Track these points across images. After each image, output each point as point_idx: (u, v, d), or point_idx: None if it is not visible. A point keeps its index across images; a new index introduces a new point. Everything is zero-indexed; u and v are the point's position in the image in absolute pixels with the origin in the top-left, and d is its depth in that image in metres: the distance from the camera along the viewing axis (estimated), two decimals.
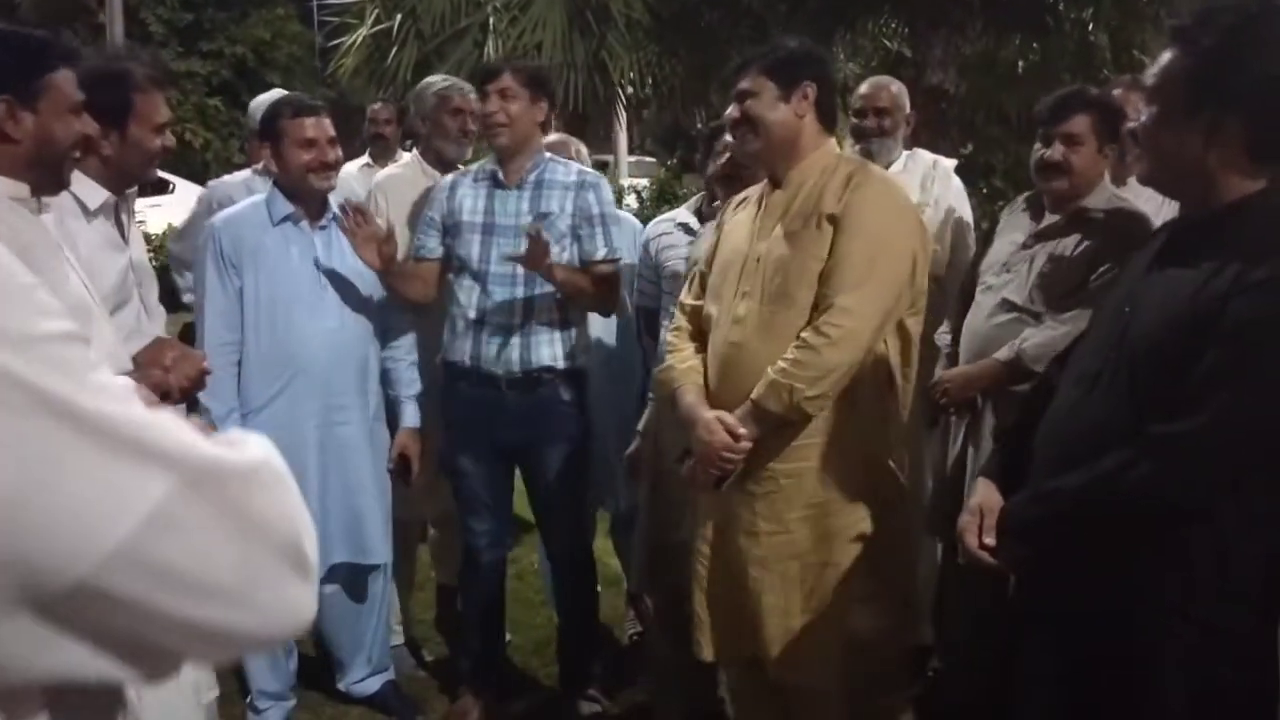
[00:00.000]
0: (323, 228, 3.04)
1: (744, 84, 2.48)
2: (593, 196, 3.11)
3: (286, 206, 2.99)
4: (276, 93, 3.78)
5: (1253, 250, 1.62)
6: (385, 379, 3.19)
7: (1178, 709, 1.66)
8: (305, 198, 3.00)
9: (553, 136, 4.02)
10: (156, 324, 2.53)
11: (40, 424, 0.67)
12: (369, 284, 3.08)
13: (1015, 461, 1.92)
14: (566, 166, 3.17)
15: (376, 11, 8.35)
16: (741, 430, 2.37)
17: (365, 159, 4.50)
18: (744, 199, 2.62)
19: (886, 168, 3.43)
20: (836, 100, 2.54)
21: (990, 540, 1.86)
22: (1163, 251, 1.80)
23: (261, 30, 17.90)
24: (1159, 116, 1.70)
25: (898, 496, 2.44)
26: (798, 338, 2.33)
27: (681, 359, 2.57)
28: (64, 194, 2.32)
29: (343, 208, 2.99)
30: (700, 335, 2.58)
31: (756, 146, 2.49)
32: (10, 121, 1.94)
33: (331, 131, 2.97)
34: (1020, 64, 9.75)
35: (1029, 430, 1.91)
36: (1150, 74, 1.74)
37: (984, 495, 1.91)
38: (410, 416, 3.20)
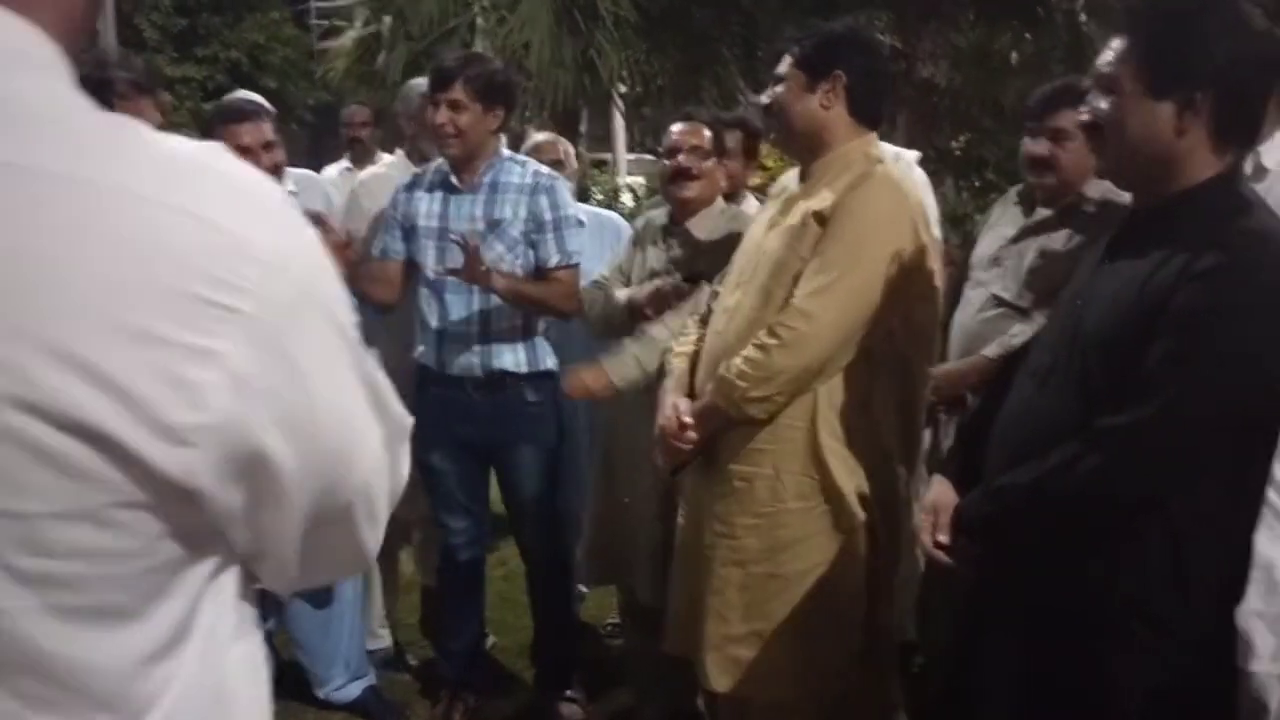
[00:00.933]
0: None
1: (778, 70, 2.38)
2: (545, 200, 3.04)
3: None
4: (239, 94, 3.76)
5: (1200, 239, 1.60)
6: None
7: (1133, 707, 1.63)
8: None
9: (540, 136, 4.01)
10: None
11: (345, 352, 0.79)
12: None
13: (971, 458, 1.89)
14: (523, 167, 3.11)
15: (366, 14, 8.34)
16: (688, 419, 2.33)
17: (345, 162, 4.49)
18: (783, 187, 2.51)
19: None
20: (880, 90, 2.41)
21: (944, 538, 1.83)
22: (1113, 244, 1.77)
23: (256, 34, 17.87)
24: (1125, 103, 1.65)
25: (861, 519, 2.27)
26: (758, 335, 2.25)
27: (682, 343, 2.54)
28: None
29: None
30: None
31: (782, 136, 2.43)
32: None
33: (268, 136, 2.90)
34: (1013, 56, 9.71)
35: (985, 427, 1.88)
36: (1104, 62, 1.70)
37: (938, 493, 1.90)
38: None
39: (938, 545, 1.84)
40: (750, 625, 2.30)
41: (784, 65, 2.37)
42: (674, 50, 8.32)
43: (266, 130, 2.91)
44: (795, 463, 2.27)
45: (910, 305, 2.27)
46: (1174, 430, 1.59)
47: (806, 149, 2.38)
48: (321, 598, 3.16)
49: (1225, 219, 1.63)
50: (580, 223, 3.18)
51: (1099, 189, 2.86)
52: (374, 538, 0.86)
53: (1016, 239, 2.90)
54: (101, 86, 2.37)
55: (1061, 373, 1.72)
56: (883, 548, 2.28)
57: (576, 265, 3.12)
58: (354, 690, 3.28)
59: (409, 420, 0.89)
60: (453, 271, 2.91)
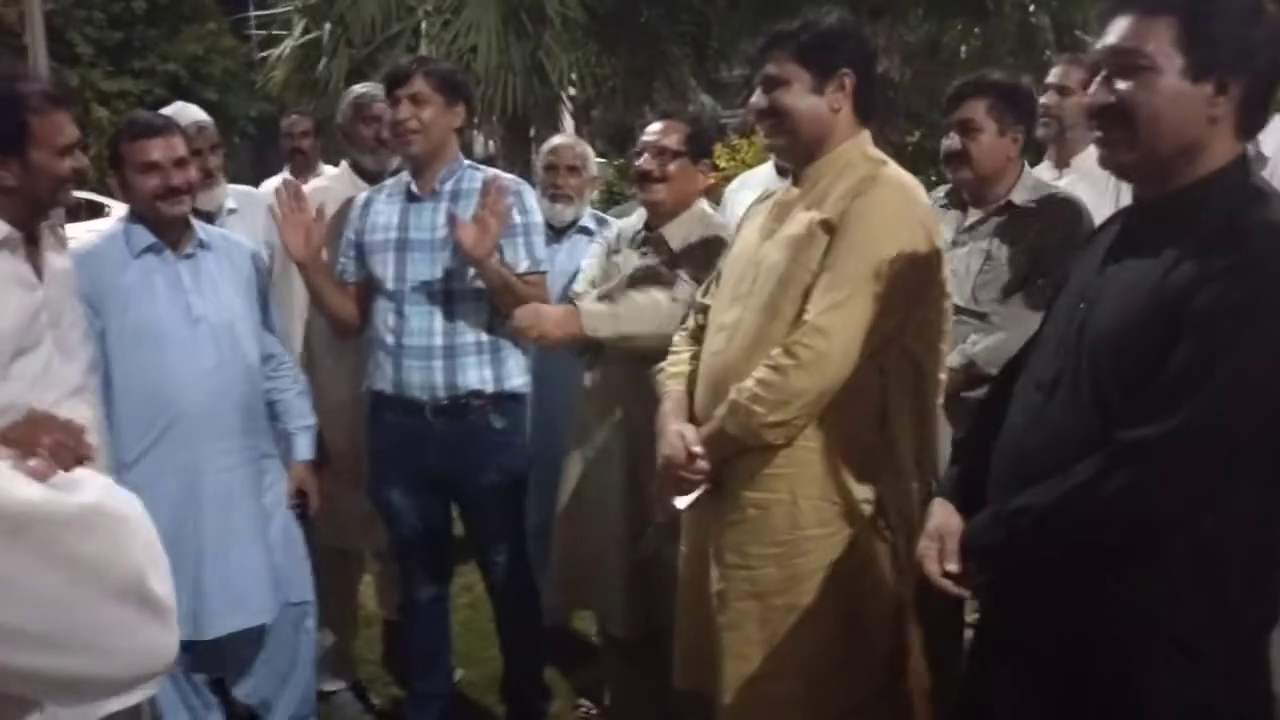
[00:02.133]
0: (189, 256, 2.77)
1: (772, 69, 2.22)
2: (513, 204, 2.88)
3: (146, 237, 2.72)
4: (177, 106, 3.57)
5: (1218, 233, 1.50)
6: (273, 412, 2.93)
7: None
8: (165, 226, 2.73)
9: (558, 140, 3.81)
10: (74, 366, 2.32)
11: None
12: (246, 313, 2.81)
13: (970, 478, 1.79)
14: (485, 173, 2.95)
15: (304, 21, 8.12)
16: (697, 449, 2.19)
17: (286, 174, 4.29)
18: (769, 193, 2.40)
19: None
20: (875, 86, 2.30)
21: (952, 566, 1.72)
22: (1118, 242, 1.66)
23: (194, 46, 17.49)
24: (1161, 85, 1.53)
25: (882, 540, 2.15)
26: (771, 354, 2.11)
27: (674, 362, 2.40)
28: None
29: (278, 189, 2.78)
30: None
31: (783, 142, 2.26)
32: None
33: (180, 152, 2.70)
34: (963, 49, 9.72)
35: (983, 444, 1.78)
36: (1123, 41, 1.56)
37: (942, 518, 1.78)
38: (303, 448, 2.95)
39: (946, 575, 1.72)
40: (771, 661, 2.16)
41: (777, 64, 2.21)
42: (624, 51, 8.19)
43: (177, 145, 2.71)
44: (813, 487, 2.14)
45: (924, 310, 2.16)
46: (1206, 440, 1.49)
47: (807, 152, 2.24)
48: (263, 644, 2.93)
49: (1242, 210, 1.53)
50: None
51: (1026, 188, 2.83)
52: None
53: (955, 243, 2.83)
54: (11, 102, 2.21)
55: (1070, 383, 1.62)
56: (906, 572, 2.12)
57: (545, 272, 2.98)
58: None
59: (91, 490, 0.84)
60: (458, 236, 2.73)
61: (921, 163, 10.28)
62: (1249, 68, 1.53)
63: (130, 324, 2.66)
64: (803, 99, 2.19)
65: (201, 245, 2.80)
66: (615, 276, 2.90)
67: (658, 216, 2.86)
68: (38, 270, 2.29)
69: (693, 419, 2.29)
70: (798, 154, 2.27)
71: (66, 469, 1.78)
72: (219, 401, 2.73)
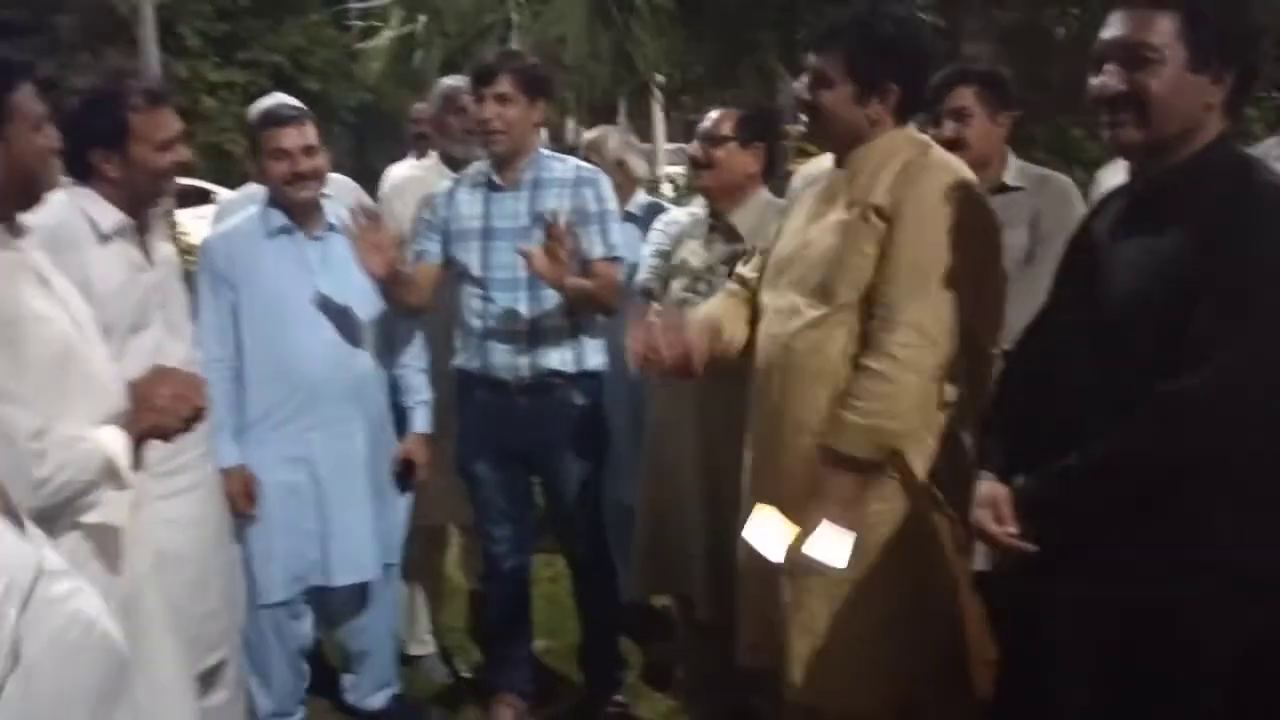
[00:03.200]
0: (318, 238, 2.98)
1: (819, 63, 2.21)
2: (590, 193, 3.01)
3: (280, 219, 2.94)
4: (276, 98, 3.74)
5: (1221, 200, 1.65)
6: (394, 387, 3.14)
7: (1226, 669, 1.65)
8: (297, 209, 2.94)
9: (592, 133, 3.98)
10: (181, 344, 2.50)
11: None
12: (369, 293, 2.99)
13: (1006, 447, 1.91)
14: (564, 163, 3.08)
15: (401, 13, 8.34)
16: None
17: (411, 159, 4.46)
18: (814, 176, 2.41)
19: None
20: (923, 92, 2.28)
21: (1011, 528, 1.83)
22: (1127, 215, 1.80)
23: (297, 37, 18.01)
24: (1170, 75, 1.69)
25: (942, 514, 2.18)
26: (860, 365, 2.12)
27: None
28: (77, 218, 2.31)
29: (352, 211, 2.92)
30: (747, 302, 2.44)
31: (815, 136, 2.31)
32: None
33: (309, 140, 2.89)
34: (1059, 31, 9.52)
35: (1011, 413, 1.92)
36: (1125, 35, 1.71)
37: (989, 487, 1.89)
38: (420, 422, 3.15)
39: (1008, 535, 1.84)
40: (837, 636, 2.21)
41: (826, 61, 2.21)
42: (711, 38, 8.24)
43: (309, 134, 2.91)
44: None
45: (988, 290, 2.20)
46: (1239, 382, 1.62)
47: (844, 147, 2.28)
48: (357, 605, 3.14)
49: (1239, 176, 1.69)
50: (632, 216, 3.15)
51: (1013, 170, 2.94)
52: None
53: None
54: (111, 99, 2.35)
55: (1096, 346, 1.74)
56: (965, 545, 2.18)
57: (621, 259, 3.08)
58: (379, 699, 3.26)
59: None
60: (527, 258, 2.83)
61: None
62: (1239, 59, 1.70)
63: (260, 298, 2.88)
64: (843, 106, 2.20)
65: (331, 228, 2.98)
66: (685, 268, 2.95)
67: (716, 202, 2.92)
68: (148, 254, 2.46)
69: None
70: (834, 148, 2.32)
71: (184, 419, 1.98)
72: (337, 373, 2.93)
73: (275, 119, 2.93)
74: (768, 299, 2.35)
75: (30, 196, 1.94)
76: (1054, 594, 1.84)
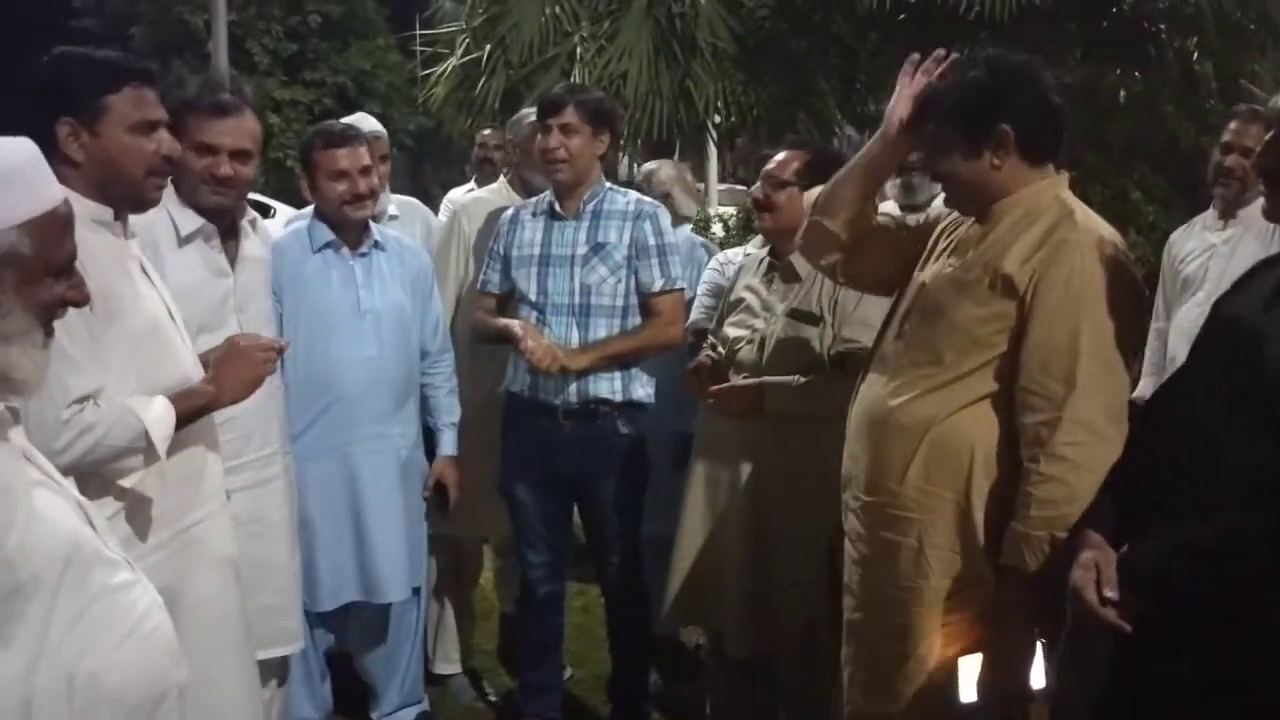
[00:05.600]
0: (363, 255, 3.02)
1: (931, 129, 2.10)
2: (649, 226, 3.06)
3: (326, 234, 2.99)
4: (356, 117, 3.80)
5: None
6: (424, 406, 3.17)
7: None
8: (346, 227, 3.00)
9: (650, 165, 4.05)
10: None
11: None
12: (409, 311, 3.05)
13: (1120, 507, 1.80)
14: (625, 195, 3.14)
15: (467, 41, 8.46)
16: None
17: (472, 184, 4.57)
18: (938, 216, 2.31)
19: (927, 204, 3.29)
20: (1052, 119, 2.09)
21: (1112, 594, 1.72)
22: None
23: (362, 60, 18.33)
24: None
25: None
26: (1032, 469, 1.97)
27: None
28: (163, 219, 2.39)
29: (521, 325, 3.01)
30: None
31: (961, 205, 2.17)
32: (73, 143, 1.98)
33: (365, 160, 2.96)
34: (1121, 94, 9.46)
35: (1133, 473, 1.80)
36: None
37: (1095, 548, 1.79)
38: (447, 444, 3.18)
39: (1104, 602, 1.73)
40: (876, 706, 2.16)
41: (939, 128, 2.10)
42: (770, 81, 8.27)
43: (363, 155, 2.97)
44: (943, 537, 2.08)
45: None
46: None
47: (985, 206, 2.12)
48: (383, 622, 3.16)
49: None
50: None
51: None
52: None
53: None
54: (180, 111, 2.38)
55: (1242, 417, 1.64)
56: (1033, 620, 2.03)
57: (681, 290, 3.12)
58: (406, 716, 3.27)
59: None
60: (532, 363, 2.94)
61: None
62: None
63: (305, 310, 2.94)
64: (960, 165, 2.09)
65: (376, 245, 3.04)
66: (743, 307, 2.94)
67: (776, 243, 2.92)
68: (231, 260, 2.53)
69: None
70: (977, 210, 2.15)
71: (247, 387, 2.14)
72: (376, 388, 2.98)
73: (333, 139, 2.99)
74: (881, 341, 2.27)
75: (129, 197, 2.07)
76: (1146, 674, 1.73)
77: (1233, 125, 3.43)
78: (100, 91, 2.00)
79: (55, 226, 1.40)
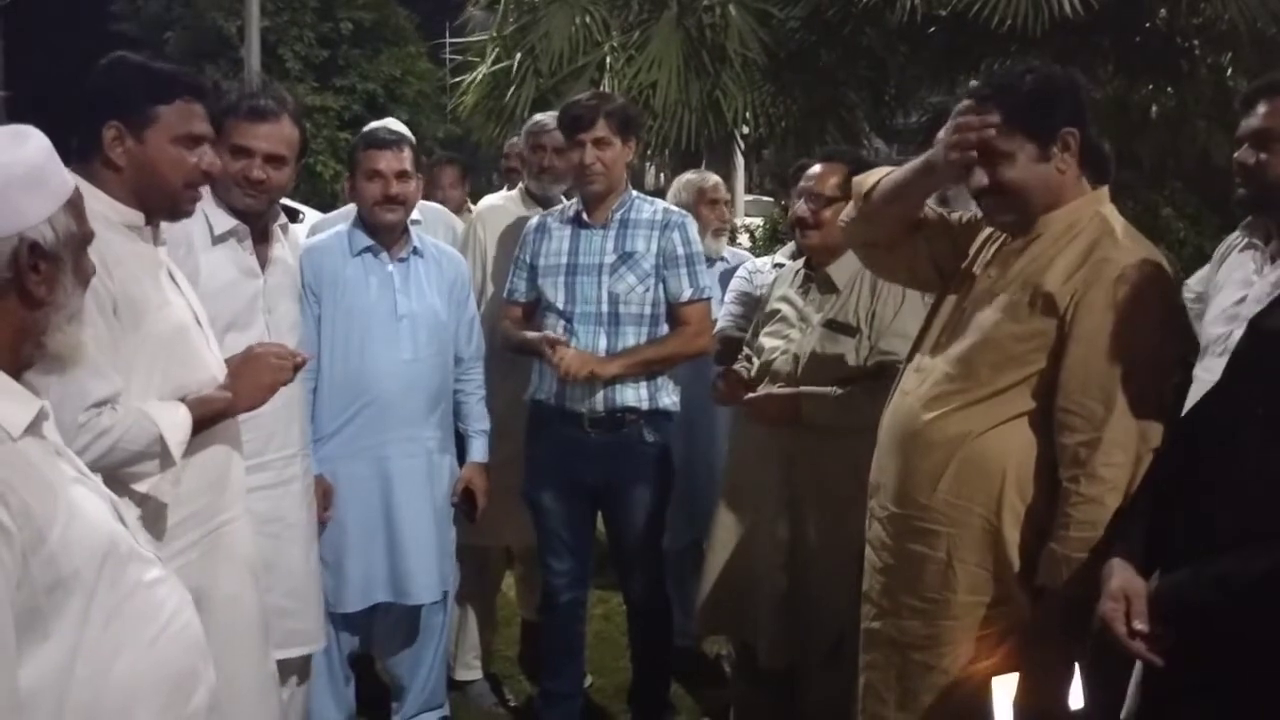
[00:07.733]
0: (402, 260, 3.04)
1: (996, 141, 2.01)
2: (678, 236, 3.07)
3: (364, 239, 3.02)
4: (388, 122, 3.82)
5: None
6: (455, 412, 3.18)
7: None
8: (382, 231, 3.01)
9: (690, 175, 4.06)
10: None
11: None
12: (445, 318, 3.07)
13: (1150, 534, 1.76)
14: (653, 205, 3.15)
15: (497, 50, 8.50)
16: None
17: (505, 190, 4.59)
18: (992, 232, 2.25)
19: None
20: (1099, 137, 2.15)
21: (1142, 626, 1.68)
22: None
23: (392, 67, 18.49)
24: None
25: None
26: (1071, 489, 1.96)
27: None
28: (199, 217, 2.41)
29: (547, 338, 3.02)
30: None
31: (1011, 218, 2.09)
32: (118, 147, 2.00)
33: (403, 165, 2.97)
34: (1153, 109, 9.39)
35: (1164, 499, 1.75)
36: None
37: (1124, 577, 1.75)
38: (478, 451, 3.19)
39: (1134, 634, 1.69)
40: (903, 713, 2.15)
41: (1003, 137, 2.01)
42: (800, 93, 8.27)
43: (404, 160, 2.99)
44: (972, 552, 2.06)
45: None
46: None
47: (1032, 215, 2.08)
48: (410, 624, 3.16)
49: None
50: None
51: None
52: None
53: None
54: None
55: None
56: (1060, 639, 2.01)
57: (708, 299, 3.12)
58: None
59: None
60: (562, 371, 2.95)
61: None
62: None
63: (342, 313, 2.96)
64: (1030, 170, 2.03)
65: (415, 251, 3.06)
66: (778, 317, 2.93)
67: (816, 257, 2.89)
68: (261, 261, 2.56)
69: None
70: (1017, 224, 2.10)
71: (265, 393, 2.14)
72: (410, 393, 2.99)
73: (375, 141, 3.03)
74: (920, 352, 2.25)
75: (165, 206, 2.09)
76: (1184, 708, 1.70)
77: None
78: (152, 100, 2.03)
79: (79, 200, 1.43)
